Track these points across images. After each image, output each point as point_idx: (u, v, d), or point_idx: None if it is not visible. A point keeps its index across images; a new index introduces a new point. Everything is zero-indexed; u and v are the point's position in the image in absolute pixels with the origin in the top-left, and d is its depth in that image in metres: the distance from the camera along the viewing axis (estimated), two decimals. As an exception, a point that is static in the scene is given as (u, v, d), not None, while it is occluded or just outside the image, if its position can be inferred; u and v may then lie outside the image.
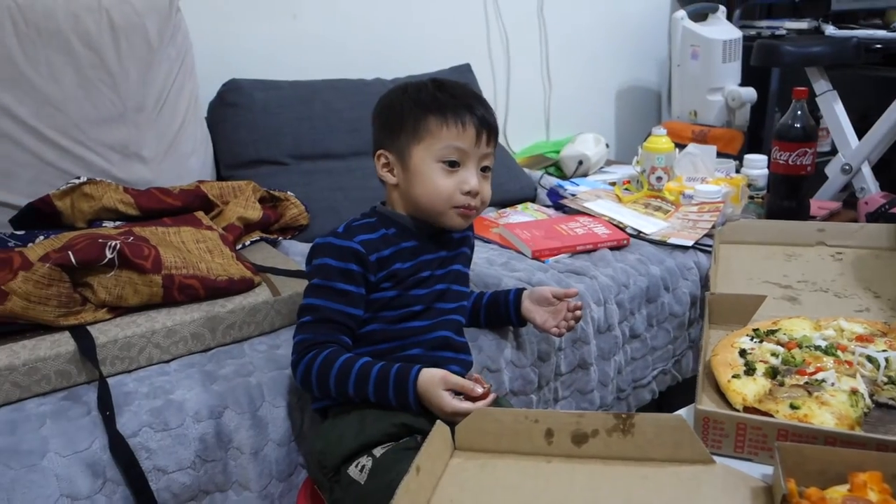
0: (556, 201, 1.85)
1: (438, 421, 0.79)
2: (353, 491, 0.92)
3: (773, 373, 0.90)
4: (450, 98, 1.01)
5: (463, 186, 1.01)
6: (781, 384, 0.88)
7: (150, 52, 1.52)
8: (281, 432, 1.05)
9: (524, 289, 1.21)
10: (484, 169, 1.04)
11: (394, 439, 0.94)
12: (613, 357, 1.46)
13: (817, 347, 0.96)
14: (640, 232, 1.65)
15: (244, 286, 1.18)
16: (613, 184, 1.99)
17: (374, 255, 1.00)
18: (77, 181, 1.35)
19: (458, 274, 1.11)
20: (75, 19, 1.43)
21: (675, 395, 1.67)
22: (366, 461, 0.93)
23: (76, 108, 1.43)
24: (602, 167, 2.19)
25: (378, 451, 0.93)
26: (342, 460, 0.94)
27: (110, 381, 1.03)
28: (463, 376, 0.94)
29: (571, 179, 2.06)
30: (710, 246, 1.60)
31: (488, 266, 1.46)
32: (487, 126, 1.02)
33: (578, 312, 1.14)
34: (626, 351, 1.50)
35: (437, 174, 1.01)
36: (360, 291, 1.00)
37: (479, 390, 0.89)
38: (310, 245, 1.50)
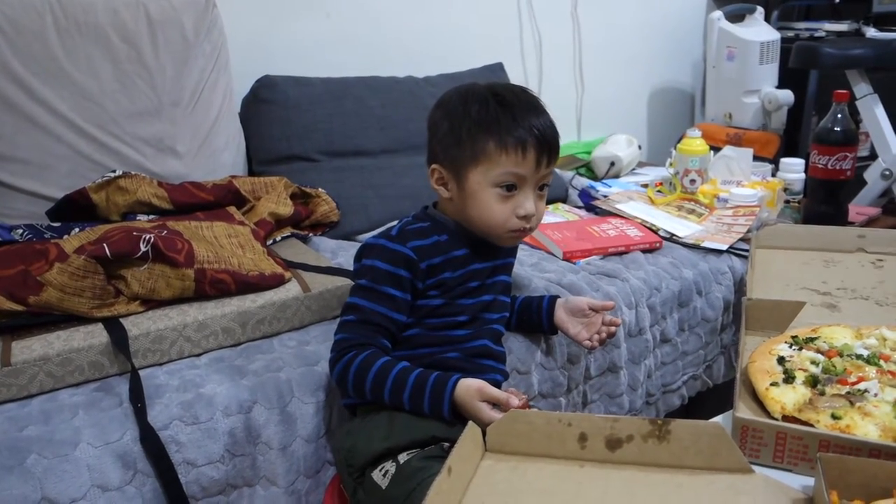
0: (588, 202, 1.83)
1: (470, 422, 0.78)
2: (375, 495, 0.91)
3: (812, 381, 0.87)
4: (511, 120, 0.95)
5: (519, 211, 0.98)
6: (822, 393, 0.85)
7: (186, 48, 1.53)
8: (309, 429, 1.05)
9: (558, 296, 1.19)
10: (542, 187, 1.01)
11: (422, 445, 0.93)
12: (644, 361, 1.44)
13: (859, 356, 0.93)
14: (673, 235, 1.62)
15: (275, 282, 1.19)
16: (646, 185, 1.96)
17: (425, 263, 0.99)
18: (112, 174, 1.36)
19: (505, 285, 1.10)
20: (114, 14, 1.44)
21: (706, 401, 1.64)
22: (390, 466, 0.92)
23: (113, 101, 1.45)
24: (634, 169, 2.17)
25: (403, 457, 0.92)
26: (368, 462, 0.93)
27: (141, 373, 1.04)
28: (500, 385, 0.92)
29: (603, 181, 2.03)
30: (745, 250, 1.57)
31: (518, 266, 1.44)
32: (548, 147, 0.97)
33: (613, 329, 1.12)
34: (656, 355, 1.48)
35: (493, 199, 0.98)
36: (407, 298, 0.99)
37: (516, 402, 0.88)
38: (340, 242, 1.54)
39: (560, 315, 1.16)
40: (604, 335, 1.12)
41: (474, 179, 0.98)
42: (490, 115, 0.96)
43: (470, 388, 0.90)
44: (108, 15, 1.44)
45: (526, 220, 0.99)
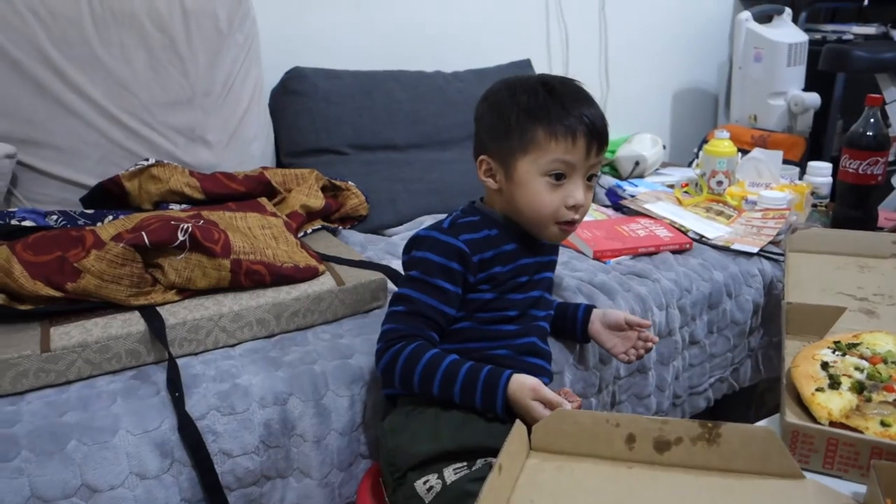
0: (616, 202, 1.82)
1: (518, 420, 0.77)
2: None
3: (859, 388, 0.87)
4: (560, 108, 0.94)
5: (568, 200, 0.97)
6: (869, 400, 0.84)
7: (219, 38, 1.52)
8: (343, 422, 1.05)
9: (593, 306, 1.18)
10: (590, 178, 1.00)
11: (468, 454, 0.91)
12: (672, 362, 1.44)
13: (903, 364, 0.92)
14: (703, 236, 1.61)
15: (309, 274, 1.18)
16: (672, 186, 1.95)
17: (477, 256, 0.98)
18: (146, 163, 1.36)
19: (549, 282, 1.09)
20: (149, 2, 1.44)
21: (731, 404, 1.63)
22: (435, 482, 0.90)
23: (146, 90, 1.45)
24: (657, 169, 2.15)
25: (449, 476, 0.90)
26: (412, 466, 0.92)
27: (178, 362, 1.03)
28: (547, 384, 0.91)
29: (629, 180, 2.02)
30: (775, 253, 1.56)
31: (549, 264, 1.44)
32: (598, 136, 0.96)
33: (650, 345, 1.11)
34: (684, 357, 1.47)
35: (543, 188, 0.96)
36: (458, 291, 0.98)
37: (569, 406, 0.87)
38: (368, 235, 1.54)
39: (596, 327, 1.15)
40: (641, 351, 1.12)
41: (523, 169, 0.97)
42: (539, 104, 0.95)
43: (524, 385, 0.89)
44: (143, 3, 1.44)
45: (575, 210, 0.98)
